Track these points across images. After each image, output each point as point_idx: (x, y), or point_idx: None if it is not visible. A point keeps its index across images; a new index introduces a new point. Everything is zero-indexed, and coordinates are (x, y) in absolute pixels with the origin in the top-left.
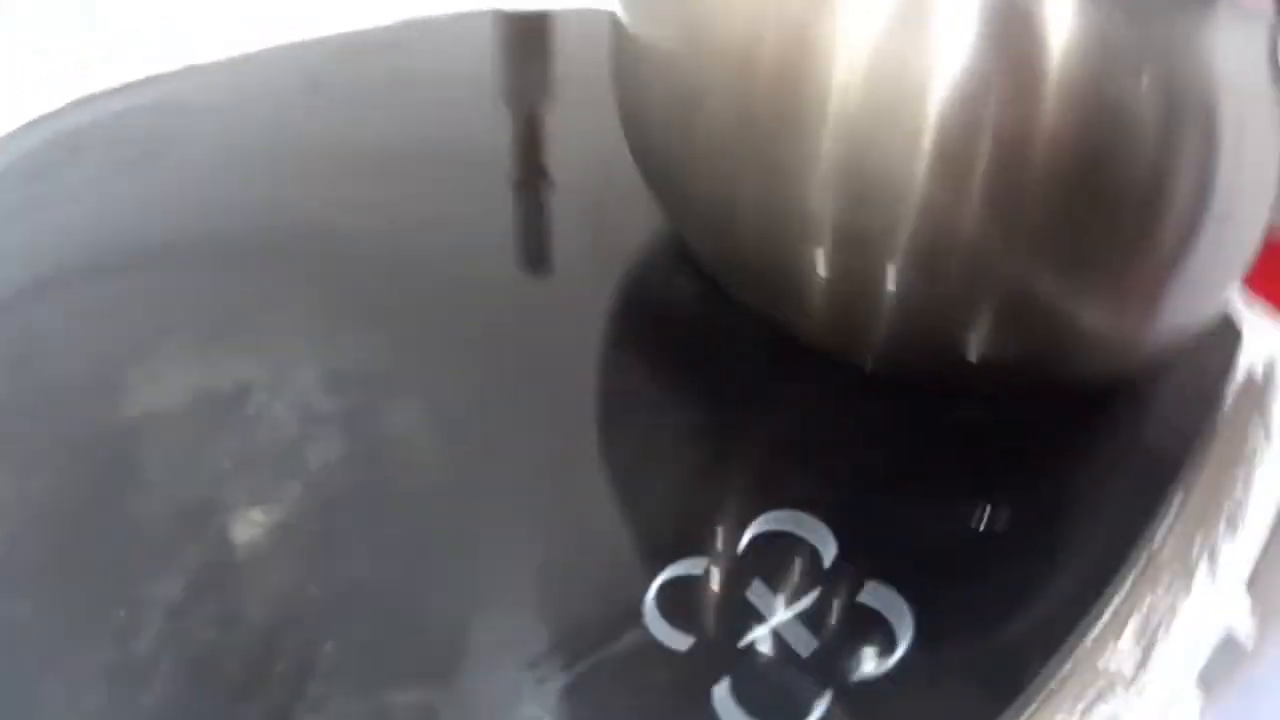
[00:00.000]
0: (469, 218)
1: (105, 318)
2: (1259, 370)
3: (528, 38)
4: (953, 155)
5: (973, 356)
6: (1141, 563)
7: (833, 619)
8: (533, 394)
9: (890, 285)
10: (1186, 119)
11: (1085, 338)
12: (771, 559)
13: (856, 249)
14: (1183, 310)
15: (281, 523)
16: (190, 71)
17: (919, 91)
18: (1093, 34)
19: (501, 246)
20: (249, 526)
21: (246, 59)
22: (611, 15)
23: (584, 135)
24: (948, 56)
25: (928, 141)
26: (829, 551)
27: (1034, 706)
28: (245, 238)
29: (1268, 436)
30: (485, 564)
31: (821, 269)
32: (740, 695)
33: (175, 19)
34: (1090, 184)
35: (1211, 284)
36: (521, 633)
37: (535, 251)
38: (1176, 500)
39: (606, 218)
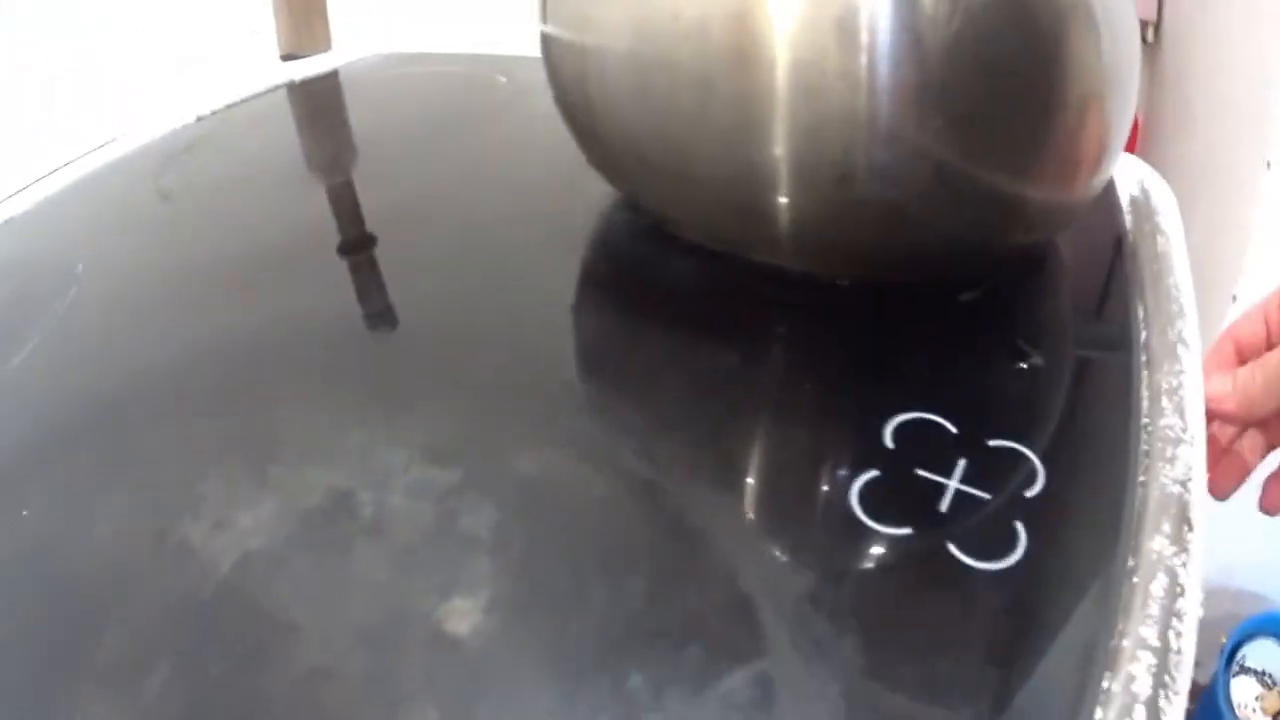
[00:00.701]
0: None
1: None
2: (1138, 192)
3: (321, 101)
4: (887, 77)
5: (928, 242)
6: (1139, 347)
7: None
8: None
9: (851, 200)
10: (1074, 29)
11: (1024, 208)
12: (917, 446)
13: (815, 176)
14: (1093, 169)
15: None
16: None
17: (851, 30)
18: None
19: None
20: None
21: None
22: (542, 30)
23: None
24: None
25: (863, 68)
26: (950, 428)
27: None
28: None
29: (1166, 237)
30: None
31: (788, 201)
32: (964, 545)
33: None
34: (1004, 77)
35: (1108, 148)
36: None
37: (382, 311)
38: (1139, 306)
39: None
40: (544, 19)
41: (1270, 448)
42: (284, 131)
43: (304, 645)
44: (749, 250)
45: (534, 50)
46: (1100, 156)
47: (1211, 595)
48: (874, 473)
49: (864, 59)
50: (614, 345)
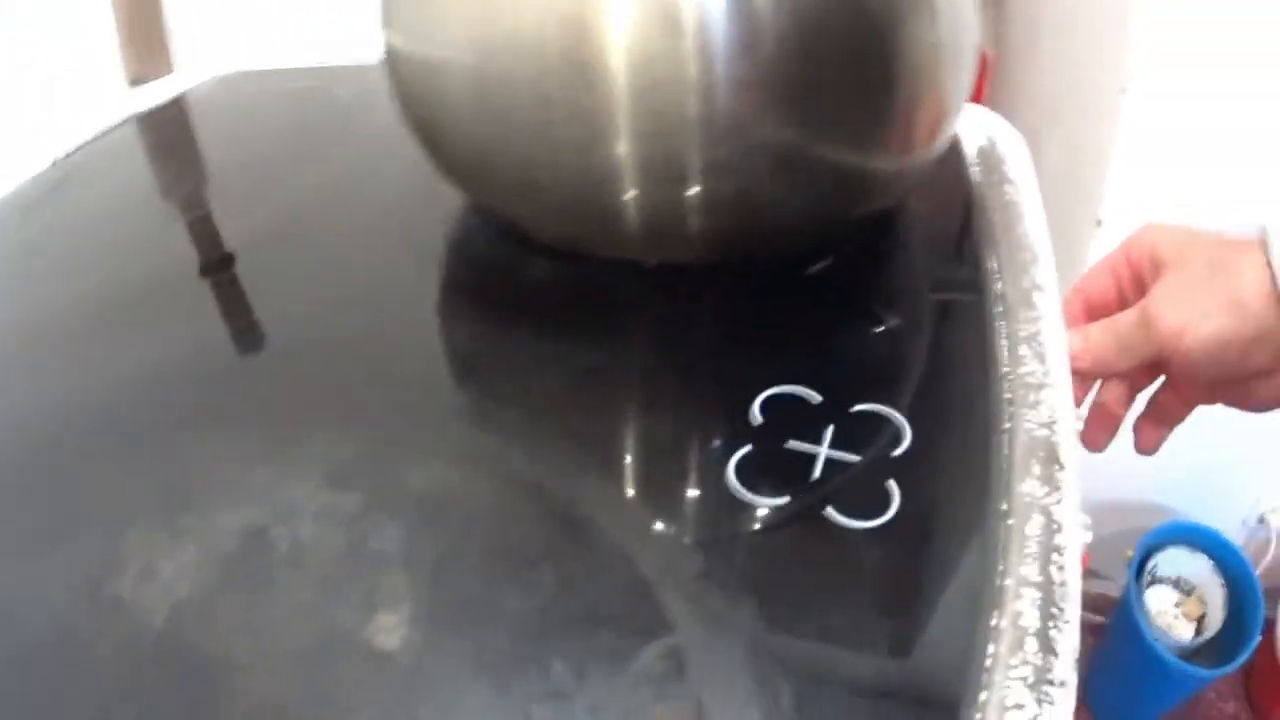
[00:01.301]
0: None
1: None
2: (985, 142)
3: (170, 132)
4: (719, 76)
5: (780, 221)
6: (994, 298)
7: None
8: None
9: (697, 190)
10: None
11: (869, 178)
12: (785, 419)
13: (660, 176)
14: (931, 135)
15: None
16: None
17: (680, 33)
18: None
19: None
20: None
21: None
22: (386, 39)
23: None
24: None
25: (695, 69)
26: (814, 398)
27: (1006, 415)
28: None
29: (1015, 185)
30: None
31: (635, 201)
32: (840, 507)
33: None
34: (836, 62)
35: (947, 112)
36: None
37: (256, 340)
38: (992, 258)
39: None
40: (385, 24)
41: (1134, 394)
42: (138, 167)
43: (251, 679)
44: (601, 249)
45: (372, 54)
46: (939, 121)
47: (1112, 511)
48: (747, 448)
49: (695, 60)
50: (484, 351)
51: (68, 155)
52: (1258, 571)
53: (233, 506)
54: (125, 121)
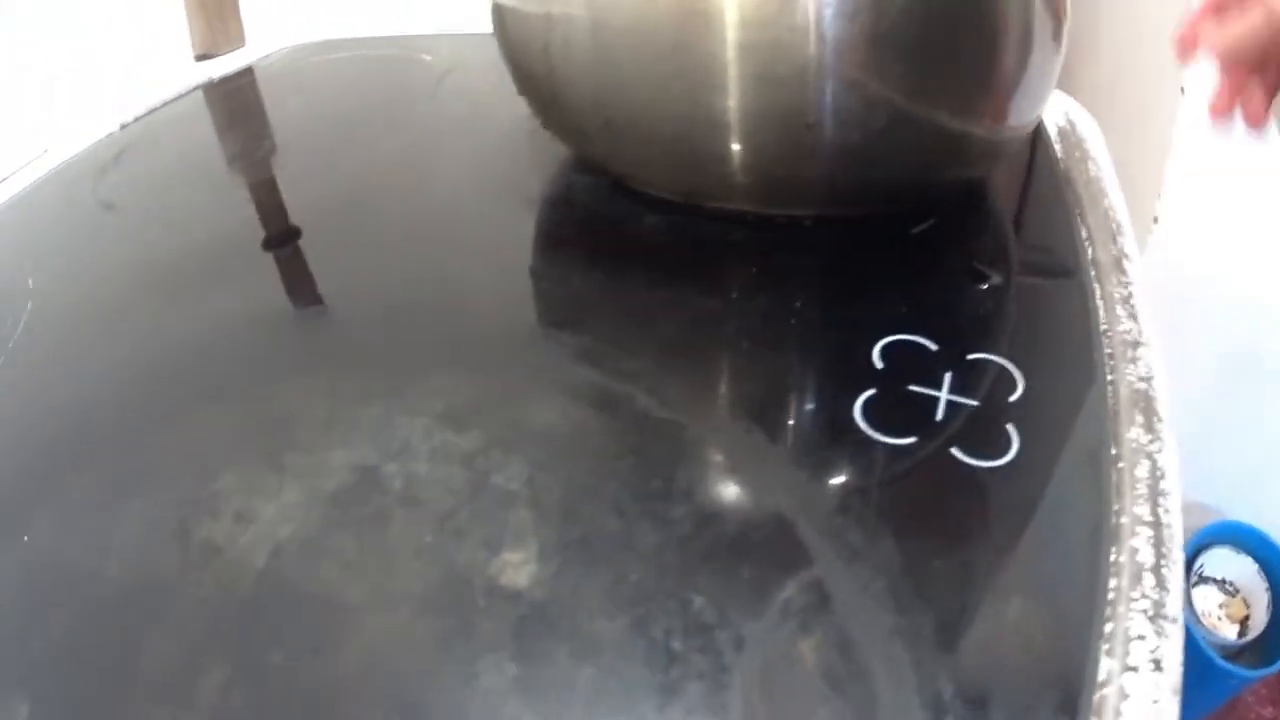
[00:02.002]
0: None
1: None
2: (1064, 123)
3: (245, 97)
4: (838, 28)
5: (884, 178)
6: (1088, 262)
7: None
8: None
9: (807, 144)
10: None
11: (968, 143)
12: (905, 364)
13: (773, 124)
14: (1029, 104)
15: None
16: None
17: None
18: None
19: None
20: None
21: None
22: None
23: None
24: None
25: (813, 20)
26: (931, 346)
27: (1108, 368)
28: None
29: (1096, 163)
30: None
31: (748, 147)
32: (965, 447)
33: None
34: (950, 25)
35: (1042, 85)
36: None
37: (361, 291)
38: (1081, 227)
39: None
40: None
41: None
42: (209, 132)
43: (364, 621)
44: (712, 199)
45: (453, 28)
46: (1034, 95)
47: None
48: (872, 391)
49: (812, 11)
50: (596, 299)
51: (136, 119)
52: None
53: (342, 445)
54: (195, 88)
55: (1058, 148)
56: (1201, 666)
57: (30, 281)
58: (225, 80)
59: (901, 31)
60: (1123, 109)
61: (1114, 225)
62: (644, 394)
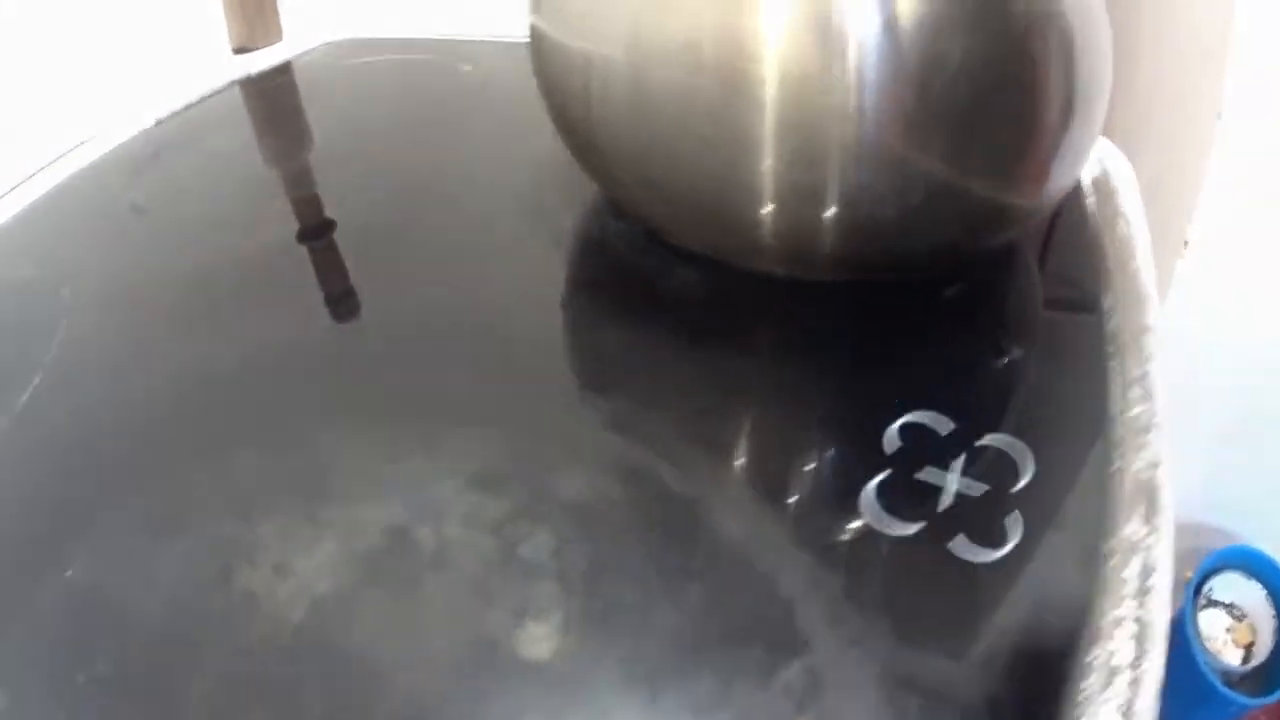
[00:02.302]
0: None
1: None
2: (1099, 172)
3: (280, 97)
4: (876, 101)
5: (915, 248)
6: (1108, 336)
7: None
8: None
9: (835, 212)
10: (1051, 44)
11: (1004, 211)
12: (918, 444)
13: (803, 192)
14: (1068, 171)
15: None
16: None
17: (841, 54)
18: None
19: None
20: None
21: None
22: (532, 23)
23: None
24: (857, 28)
25: (853, 91)
26: (946, 425)
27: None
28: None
29: (1128, 220)
30: None
31: (775, 213)
32: (967, 537)
33: None
34: (987, 102)
35: (1081, 152)
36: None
37: (384, 326)
38: (1107, 295)
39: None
40: (534, 7)
41: None
42: (246, 133)
43: (395, 681)
44: (735, 258)
45: (495, 34)
46: (1075, 159)
47: (1178, 531)
48: (883, 475)
49: (848, 87)
50: (627, 357)
51: (171, 115)
52: None
53: (375, 501)
54: (232, 84)
55: (1090, 201)
56: (1202, 691)
57: (65, 292)
58: (263, 78)
59: (942, 108)
60: (1159, 130)
61: (1139, 294)
62: (668, 465)
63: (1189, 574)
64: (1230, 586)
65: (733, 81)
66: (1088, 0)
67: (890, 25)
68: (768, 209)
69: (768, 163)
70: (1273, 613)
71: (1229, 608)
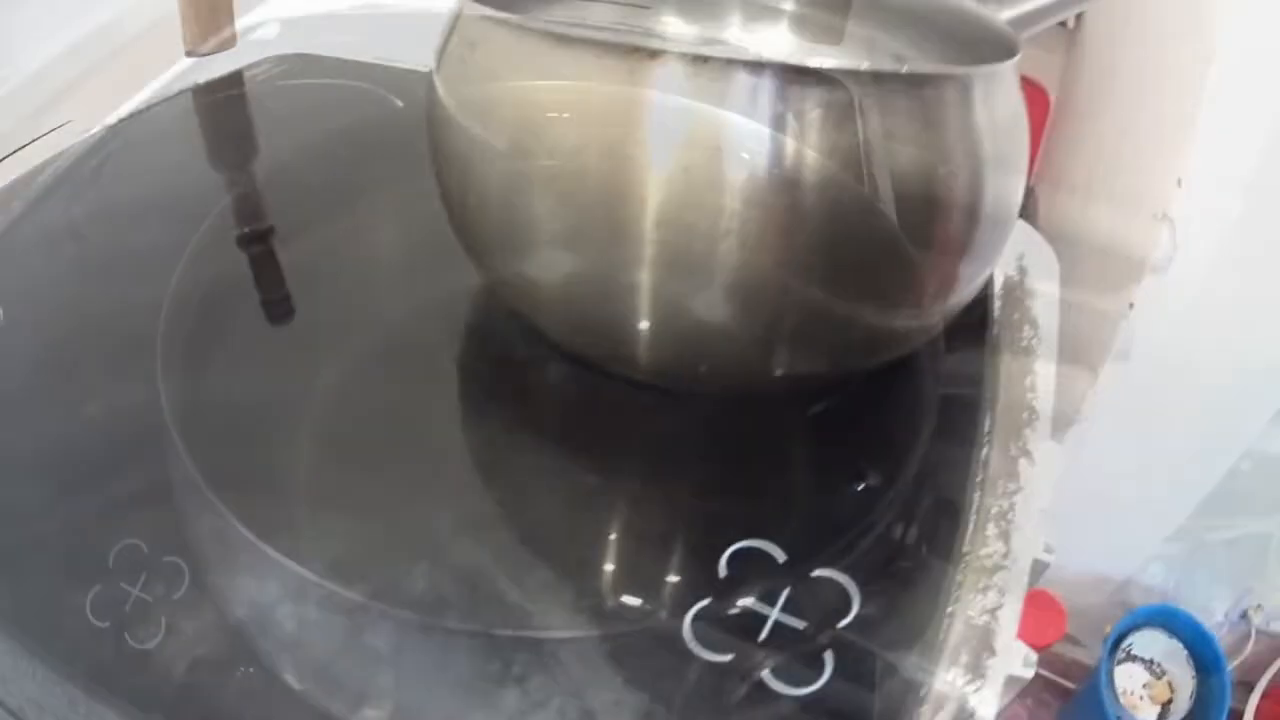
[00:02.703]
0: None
1: None
2: (1014, 270)
3: (224, 103)
4: (757, 231)
5: (793, 370)
6: (980, 466)
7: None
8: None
9: (710, 335)
10: (957, 166)
11: (886, 335)
12: (749, 572)
13: (678, 313)
14: (968, 286)
15: None
16: None
17: (722, 186)
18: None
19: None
20: None
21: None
22: (429, 82)
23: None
24: (741, 161)
25: (730, 224)
26: (780, 556)
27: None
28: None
29: (1035, 326)
30: None
31: (650, 330)
32: (777, 672)
33: None
34: (879, 231)
35: (985, 261)
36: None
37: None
38: (987, 418)
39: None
40: (436, 67)
41: None
42: (188, 149)
43: None
44: (608, 365)
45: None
46: (973, 282)
47: (1101, 582)
48: (707, 600)
49: (730, 217)
50: (493, 452)
51: (120, 121)
52: (1232, 665)
53: (250, 573)
54: (183, 93)
55: (997, 305)
56: None
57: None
58: (212, 87)
59: (818, 240)
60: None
61: (1025, 414)
62: (506, 579)
63: (1109, 629)
64: (1150, 643)
65: (613, 192)
66: (1006, 117)
67: (777, 160)
68: (639, 323)
69: (640, 277)
70: (1192, 673)
71: (1148, 664)
